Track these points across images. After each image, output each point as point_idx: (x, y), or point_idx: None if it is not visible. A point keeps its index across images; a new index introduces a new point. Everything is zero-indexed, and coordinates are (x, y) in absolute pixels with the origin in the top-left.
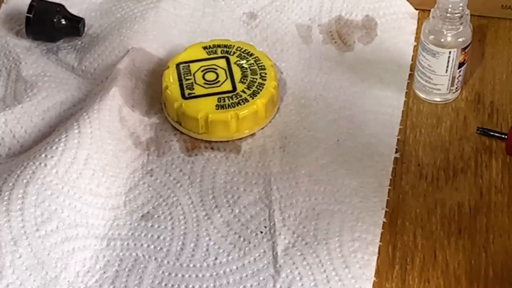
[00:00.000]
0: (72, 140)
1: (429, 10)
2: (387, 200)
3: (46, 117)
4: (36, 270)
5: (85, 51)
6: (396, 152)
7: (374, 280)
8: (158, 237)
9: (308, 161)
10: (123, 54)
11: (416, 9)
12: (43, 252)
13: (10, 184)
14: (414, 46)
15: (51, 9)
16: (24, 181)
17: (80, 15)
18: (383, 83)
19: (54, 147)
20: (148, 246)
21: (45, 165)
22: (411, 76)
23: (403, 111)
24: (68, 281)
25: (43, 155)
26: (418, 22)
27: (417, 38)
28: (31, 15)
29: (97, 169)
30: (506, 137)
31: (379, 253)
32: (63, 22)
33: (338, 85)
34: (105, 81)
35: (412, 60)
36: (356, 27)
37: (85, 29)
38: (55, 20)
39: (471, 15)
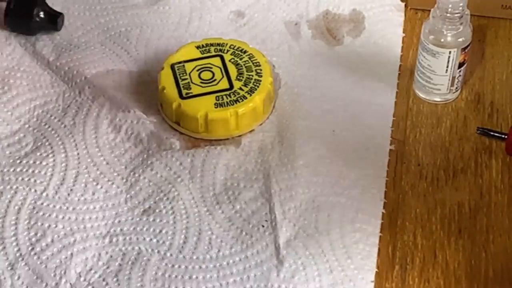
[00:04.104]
0: (60, 165)
1: (429, 10)
2: (387, 200)
3: (16, 112)
4: (36, 285)
5: (63, 48)
6: (391, 144)
7: (376, 271)
8: (161, 231)
9: (305, 151)
10: (102, 70)
11: (416, 9)
12: (40, 266)
13: (2, 210)
14: (403, 38)
15: (31, 2)
16: (16, 207)
17: (62, 8)
18: (374, 74)
19: (42, 172)
20: (151, 240)
21: (35, 190)
22: (410, 75)
23: (403, 111)
24: (70, 283)
25: (32, 180)
26: (419, 21)
27: (405, 30)
28: (10, 6)
29: (89, 181)
30: (506, 137)
31: (379, 253)
32: (42, 15)
33: (330, 77)
34: (79, 82)
35: (401, 51)
36: (344, 21)
37: (64, 23)
38: (34, 13)
39: (471, 15)
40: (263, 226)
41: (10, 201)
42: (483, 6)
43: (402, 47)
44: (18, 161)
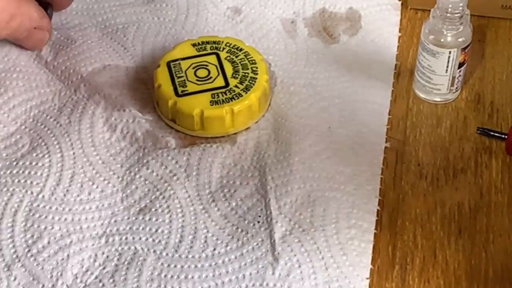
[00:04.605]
0: (55, 165)
1: (429, 10)
2: (387, 200)
3: (12, 114)
4: (32, 286)
5: (60, 46)
6: (386, 142)
7: (376, 271)
8: (156, 230)
9: (301, 148)
10: (99, 66)
11: (416, 9)
12: (37, 268)
13: None
14: (402, 38)
15: None
16: (13, 209)
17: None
18: (370, 73)
19: (38, 173)
20: (147, 239)
21: (32, 192)
22: (410, 75)
23: (403, 111)
24: (67, 285)
25: (29, 182)
26: (419, 21)
27: (405, 30)
28: None
29: (85, 181)
30: (506, 137)
31: (379, 253)
32: None
33: (327, 75)
34: (75, 81)
35: (398, 50)
36: (341, 19)
37: (62, 22)
38: None
39: (471, 15)
40: (258, 222)
41: (6, 204)
42: (483, 6)
43: (401, 46)
44: (14, 163)
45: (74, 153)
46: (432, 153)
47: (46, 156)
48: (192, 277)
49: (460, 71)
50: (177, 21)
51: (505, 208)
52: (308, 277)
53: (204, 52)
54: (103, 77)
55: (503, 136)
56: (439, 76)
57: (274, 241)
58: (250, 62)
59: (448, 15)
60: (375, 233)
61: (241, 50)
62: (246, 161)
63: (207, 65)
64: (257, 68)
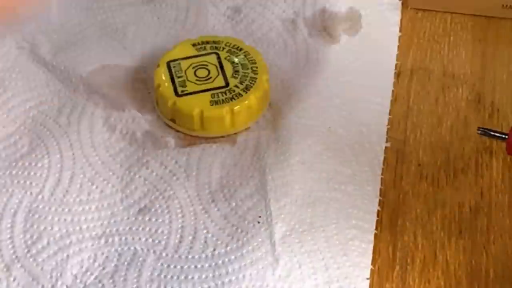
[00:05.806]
0: (55, 166)
1: (429, 10)
2: (387, 200)
3: (11, 114)
4: (32, 287)
5: (59, 46)
6: (386, 142)
7: (376, 272)
8: (156, 231)
9: (301, 148)
10: (98, 66)
11: (417, 9)
12: (36, 268)
13: None
14: (399, 37)
15: None
16: (12, 210)
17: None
18: (370, 73)
19: (38, 174)
20: (146, 239)
21: (31, 193)
22: (411, 75)
23: (403, 111)
24: (66, 285)
25: (28, 183)
26: (419, 21)
27: (405, 30)
28: None
29: (84, 181)
30: (506, 137)
31: (379, 254)
32: None
33: (326, 75)
34: (74, 81)
35: (397, 50)
36: (341, 19)
37: (61, 22)
38: None
39: (471, 15)
40: (258, 222)
41: (6, 205)
42: (483, 6)
43: (401, 46)
44: (13, 164)
45: (73, 154)
46: (432, 153)
47: (46, 157)
48: (192, 278)
49: None
50: (177, 21)
51: (506, 208)
52: (309, 277)
53: (204, 52)
54: (102, 77)
55: (503, 136)
56: None
57: (274, 241)
58: (250, 62)
59: None
60: (375, 234)
61: (241, 49)
62: (246, 161)
63: (207, 65)
64: (257, 68)
